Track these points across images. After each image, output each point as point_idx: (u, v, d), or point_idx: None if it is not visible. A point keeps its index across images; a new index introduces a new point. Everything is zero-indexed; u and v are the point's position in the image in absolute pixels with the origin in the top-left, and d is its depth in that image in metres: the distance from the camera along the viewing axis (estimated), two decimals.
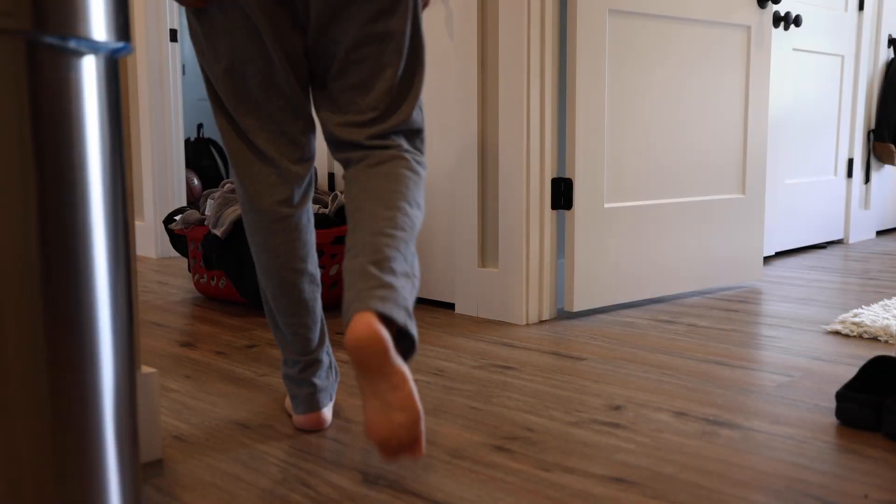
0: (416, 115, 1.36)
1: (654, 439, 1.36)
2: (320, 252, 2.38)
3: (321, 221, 2.36)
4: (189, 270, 2.85)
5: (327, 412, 1.44)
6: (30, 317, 0.68)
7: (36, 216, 0.68)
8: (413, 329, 1.11)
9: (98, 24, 0.72)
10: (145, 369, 1.28)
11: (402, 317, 1.09)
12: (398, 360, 1.05)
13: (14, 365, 0.68)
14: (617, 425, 1.43)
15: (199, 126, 4.59)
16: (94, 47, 0.72)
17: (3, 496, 0.68)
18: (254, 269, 2.30)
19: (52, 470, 0.70)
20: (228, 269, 2.39)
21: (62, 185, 0.70)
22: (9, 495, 0.69)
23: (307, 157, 1.40)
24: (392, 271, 1.14)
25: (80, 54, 0.71)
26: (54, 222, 0.69)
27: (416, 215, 1.29)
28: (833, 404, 1.52)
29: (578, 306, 2.28)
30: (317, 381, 1.42)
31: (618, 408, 1.52)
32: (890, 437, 1.34)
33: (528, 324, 2.23)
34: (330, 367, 1.49)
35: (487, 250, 2.33)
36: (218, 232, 2.34)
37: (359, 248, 1.18)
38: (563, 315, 2.33)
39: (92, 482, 0.73)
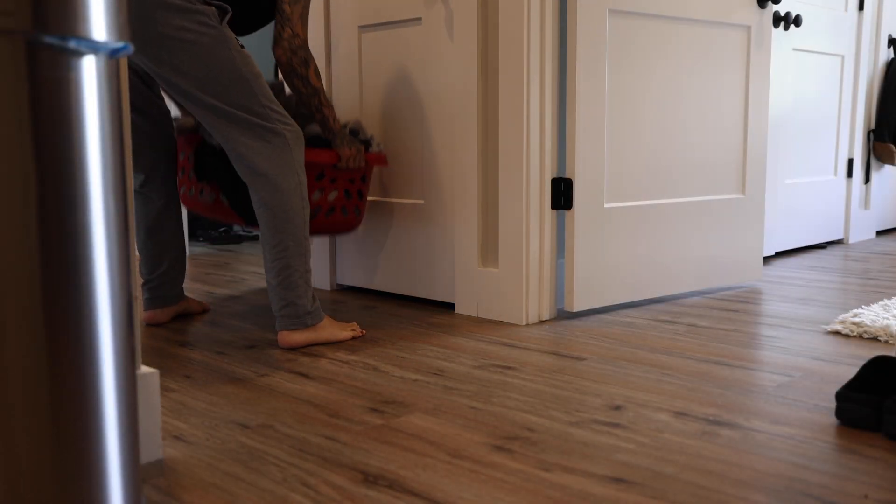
0: None
1: (654, 439, 1.36)
2: (321, 174, 2.22)
3: (323, 142, 2.23)
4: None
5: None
6: (30, 317, 0.68)
7: (35, 216, 0.68)
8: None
9: (98, 24, 0.72)
10: (145, 369, 1.28)
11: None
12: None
13: (14, 365, 0.68)
14: (617, 425, 1.43)
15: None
16: (94, 47, 0.72)
17: (3, 496, 0.68)
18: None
19: (52, 470, 0.70)
20: (222, 180, 2.25)
21: (62, 185, 0.70)
22: (8, 495, 0.69)
23: None
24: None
25: (80, 54, 0.71)
26: (54, 222, 0.69)
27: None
28: (833, 404, 1.52)
29: (578, 306, 2.28)
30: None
31: (618, 408, 1.52)
32: (890, 437, 1.34)
33: (528, 324, 2.23)
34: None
35: (487, 250, 2.33)
36: (215, 142, 2.22)
37: None
38: (563, 315, 2.33)
39: (92, 482, 0.73)
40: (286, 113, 1.97)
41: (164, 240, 2.23)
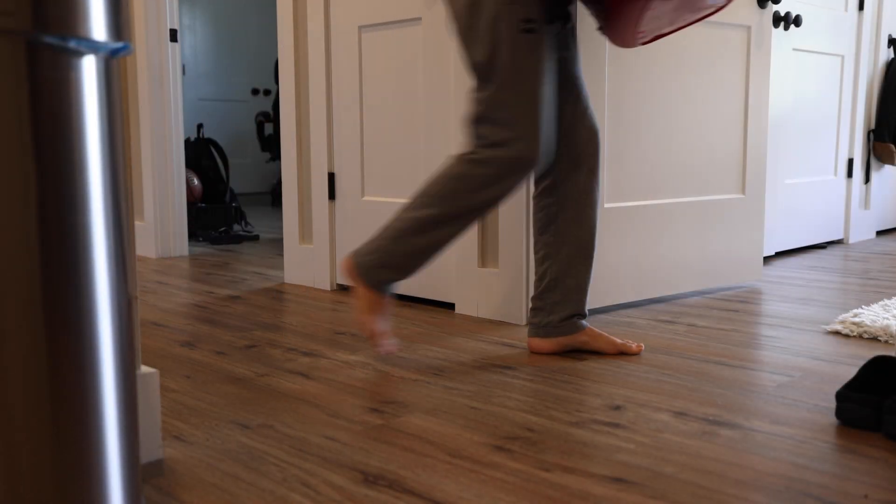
0: (475, 106, 1.77)
1: (654, 439, 1.36)
2: None
3: None
4: None
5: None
6: (30, 317, 0.68)
7: (36, 216, 0.68)
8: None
9: (98, 24, 0.72)
10: (145, 369, 1.28)
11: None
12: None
13: (14, 365, 0.68)
14: (617, 425, 1.43)
15: (199, 126, 4.60)
16: (94, 47, 0.72)
17: (3, 496, 0.68)
18: None
19: (52, 470, 0.70)
20: None
21: (62, 184, 0.70)
22: (9, 495, 0.69)
23: None
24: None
25: (80, 54, 0.71)
26: (54, 222, 0.69)
27: (406, 208, 1.79)
28: (833, 404, 1.52)
29: None
30: None
31: (618, 408, 1.52)
32: (890, 437, 1.34)
33: (528, 324, 2.23)
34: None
35: (487, 250, 2.33)
36: None
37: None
38: None
39: (92, 482, 0.73)
40: (502, 137, 1.71)
41: (551, 241, 1.90)
